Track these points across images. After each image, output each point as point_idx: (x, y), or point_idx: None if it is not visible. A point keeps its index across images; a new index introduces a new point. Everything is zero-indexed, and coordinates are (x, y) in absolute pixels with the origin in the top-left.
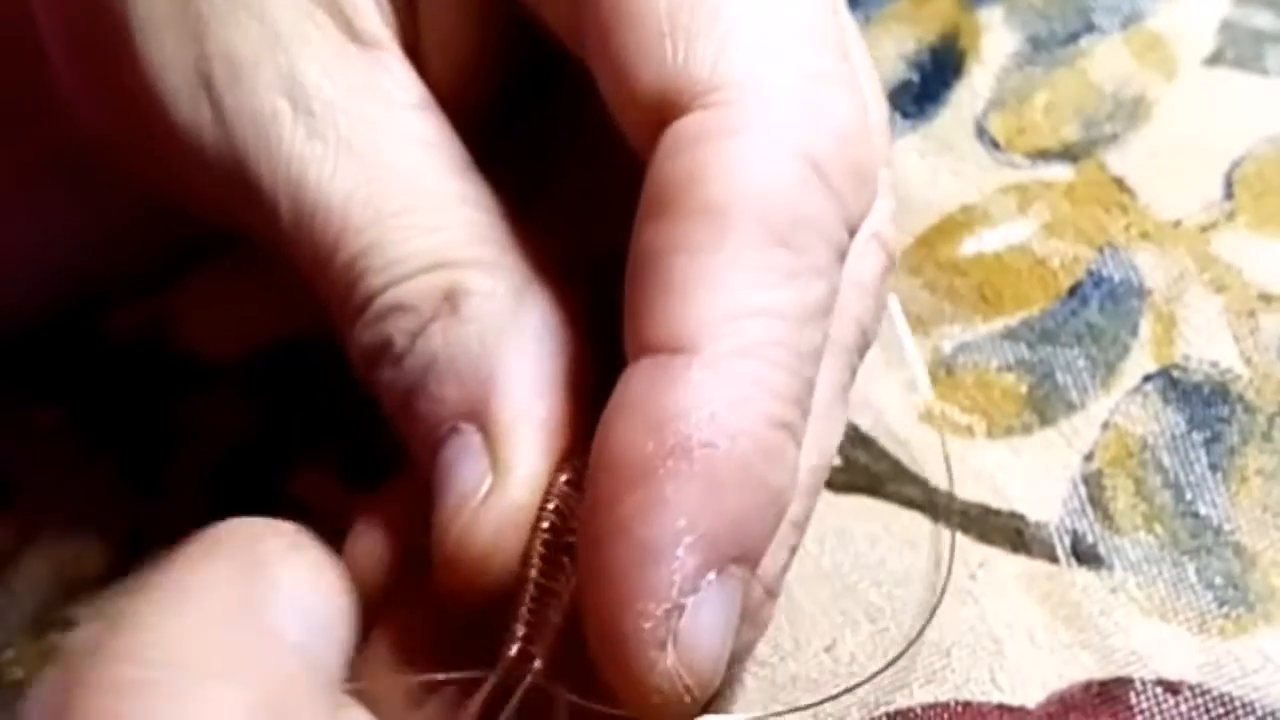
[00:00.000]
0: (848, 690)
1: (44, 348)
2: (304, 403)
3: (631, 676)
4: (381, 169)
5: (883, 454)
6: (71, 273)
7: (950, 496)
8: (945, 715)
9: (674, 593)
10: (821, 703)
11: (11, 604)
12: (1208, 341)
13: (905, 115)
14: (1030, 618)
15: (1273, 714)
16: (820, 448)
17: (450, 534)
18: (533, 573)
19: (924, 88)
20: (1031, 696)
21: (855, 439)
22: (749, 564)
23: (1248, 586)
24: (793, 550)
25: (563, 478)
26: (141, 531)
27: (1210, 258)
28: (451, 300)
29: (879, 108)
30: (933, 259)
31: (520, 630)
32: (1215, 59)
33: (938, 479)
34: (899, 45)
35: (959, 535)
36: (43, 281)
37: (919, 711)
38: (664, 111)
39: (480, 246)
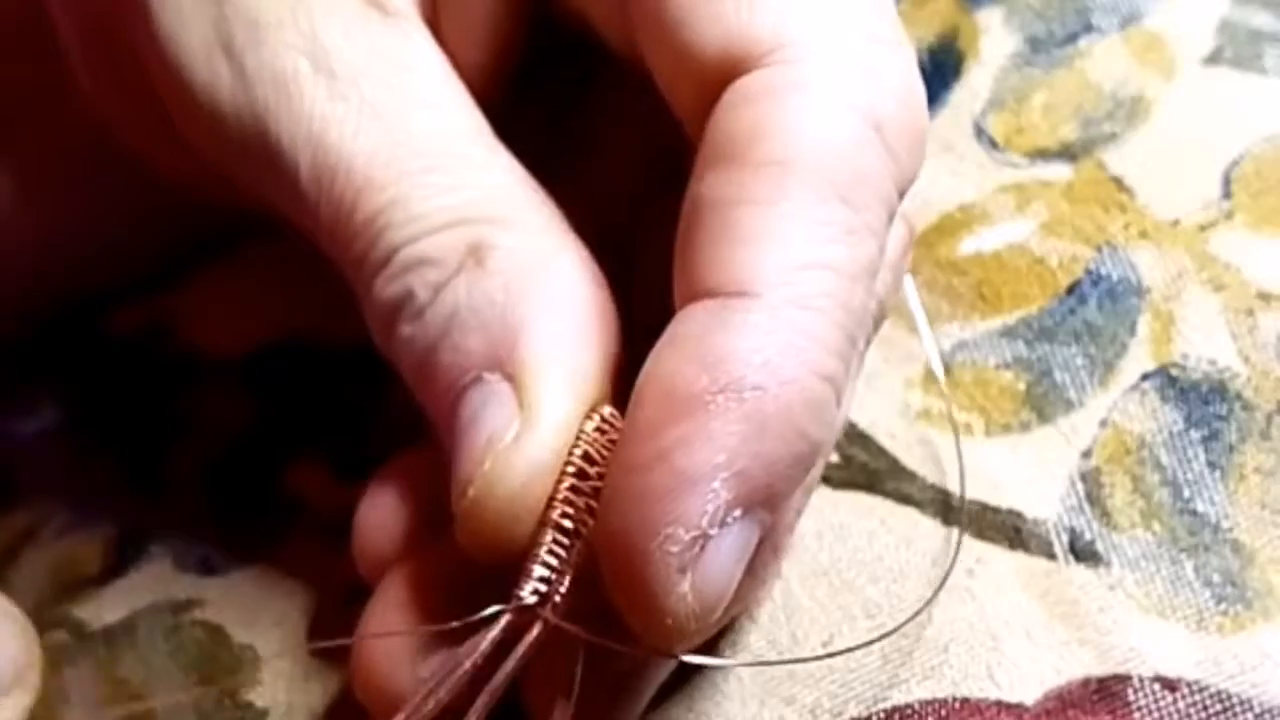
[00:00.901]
0: (866, 644)
1: (46, 345)
2: (302, 399)
3: (649, 598)
4: (403, 131)
5: (880, 451)
6: (74, 271)
7: (961, 497)
8: (943, 712)
9: (704, 522)
10: (834, 655)
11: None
12: (1206, 340)
13: None
14: (1028, 614)
15: (1270, 711)
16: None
17: (477, 479)
18: (555, 515)
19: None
20: (1029, 693)
21: (853, 436)
22: (773, 510)
23: (1246, 584)
24: (799, 514)
25: (590, 425)
26: (139, 529)
27: (1208, 256)
28: (476, 254)
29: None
30: (931, 258)
31: (538, 571)
32: (1214, 58)
33: (935, 476)
34: None
35: (954, 532)
36: (45, 279)
37: (916, 707)
38: (726, 70)
39: (503, 206)
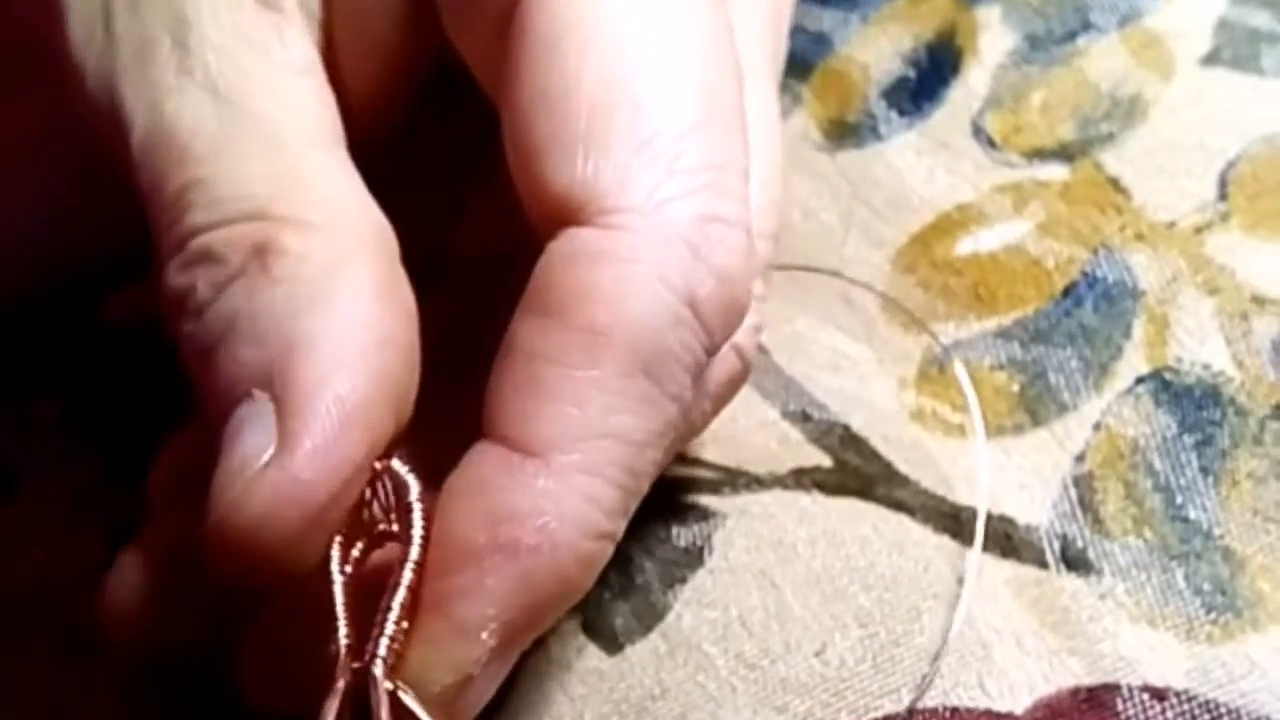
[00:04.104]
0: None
1: (41, 334)
2: None
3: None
4: (237, 114)
5: (874, 455)
6: (61, 252)
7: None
8: None
9: (469, 666)
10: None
11: (7, 600)
12: (1200, 344)
13: (902, 113)
14: (1019, 623)
15: None
16: None
17: (220, 503)
18: (338, 567)
19: (921, 85)
20: (1019, 702)
21: (847, 439)
22: (528, 642)
23: (1236, 592)
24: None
25: (391, 464)
26: (132, 525)
27: (1204, 260)
28: (261, 256)
29: (775, 181)
30: (928, 257)
31: (342, 630)
32: (1211, 59)
33: (929, 481)
34: (896, 43)
35: (948, 540)
36: (33, 261)
37: (906, 717)
38: (563, 213)
39: (309, 208)
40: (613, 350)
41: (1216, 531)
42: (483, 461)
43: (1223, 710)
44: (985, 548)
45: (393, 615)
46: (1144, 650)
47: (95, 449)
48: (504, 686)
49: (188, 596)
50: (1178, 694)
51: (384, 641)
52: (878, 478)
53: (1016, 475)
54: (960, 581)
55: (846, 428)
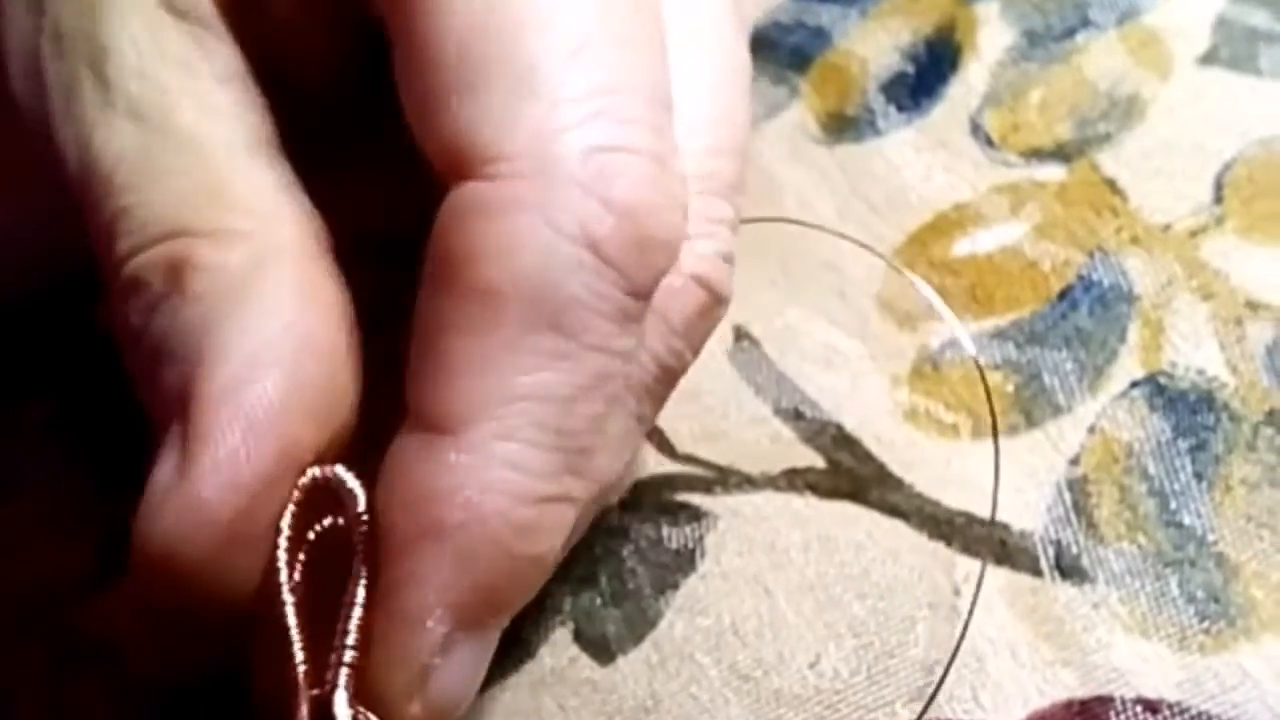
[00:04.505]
0: None
1: (33, 337)
2: None
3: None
4: (161, 135)
5: (867, 456)
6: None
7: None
8: None
9: (423, 657)
10: None
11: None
12: (1195, 349)
13: (901, 109)
14: (1013, 634)
15: None
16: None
17: (136, 532)
18: (288, 585)
19: (919, 81)
20: (1013, 715)
21: (840, 439)
22: (504, 617)
23: (1229, 600)
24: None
25: (335, 471)
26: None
27: (1199, 264)
28: (177, 276)
29: (730, 90)
30: (925, 257)
31: (298, 655)
32: (1209, 58)
33: (922, 484)
34: (894, 38)
35: (943, 547)
36: (27, 262)
37: None
38: (449, 170)
39: (227, 216)
40: (510, 308)
41: (1210, 538)
42: (403, 448)
43: None
44: (979, 554)
45: (350, 637)
46: (1137, 661)
47: (88, 454)
48: (495, 697)
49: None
50: (1170, 706)
51: (343, 671)
52: (871, 480)
53: (1011, 478)
54: (956, 591)
55: (839, 427)
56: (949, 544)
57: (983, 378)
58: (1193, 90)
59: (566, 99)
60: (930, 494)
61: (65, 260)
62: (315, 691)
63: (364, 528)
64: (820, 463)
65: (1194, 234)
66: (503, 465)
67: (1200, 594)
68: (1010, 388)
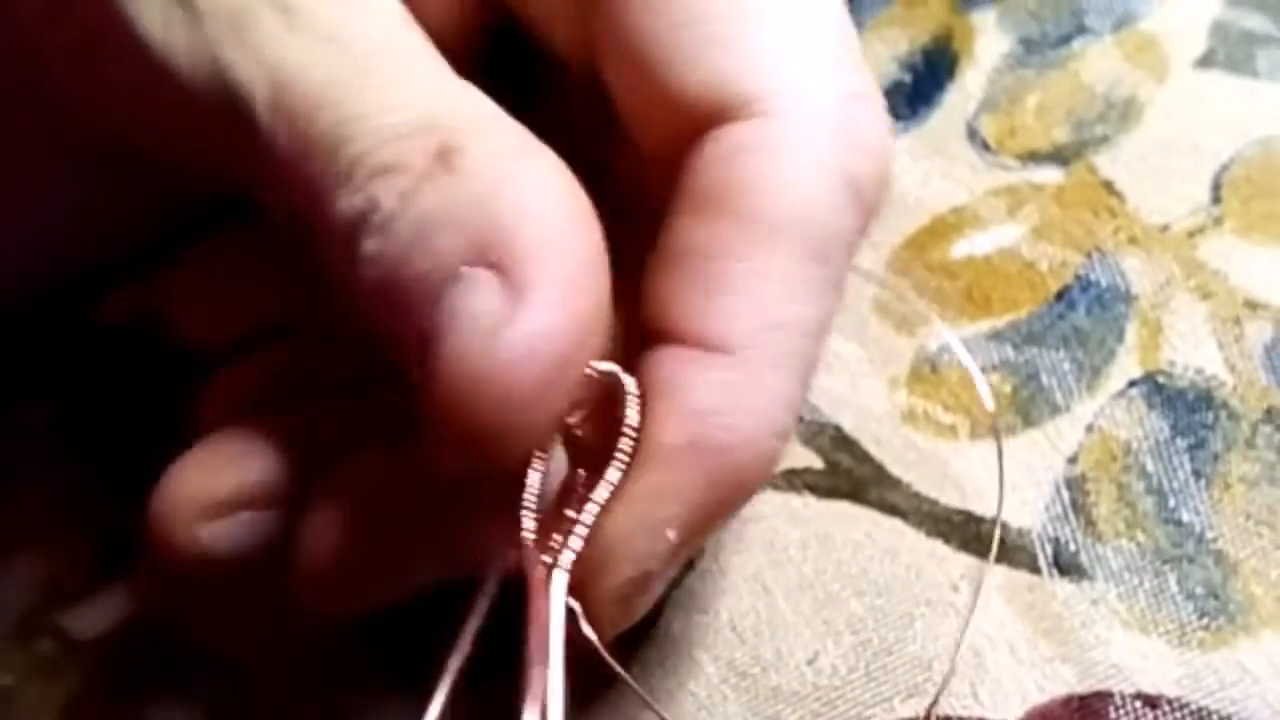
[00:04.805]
0: None
1: (33, 337)
2: None
3: (591, 615)
4: (360, 53)
5: (866, 457)
6: (57, 254)
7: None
8: None
9: (652, 564)
10: None
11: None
12: (1193, 348)
13: (898, 117)
14: (1011, 630)
15: None
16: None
17: (457, 371)
18: (541, 454)
19: (916, 89)
20: (1012, 711)
21: (839, 440)
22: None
23: (1228, 596)
24: None
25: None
26: (125, 534)
27: (1197, 264)
28: (445, 158)
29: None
30: (922, 260)
31: (529, 522)
32: (1206, 61)
33: (920, 484)
34: (892, 47)
35: (941, 545)
36: (28, 264)
37: None
38: (707, 116)
39: (468, 116)
40: (787, 239)
41: (1209, 535)
42: (669, 361)
43: (1214, 718)
44: (977, 552)
45: (589, 514)
46: (1136, 657)
47: (87, 453)
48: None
49: (391, 543)
50: (1170, 701)
51: (568, 555)
52: (869, 480)
53: (1009, 477)
54: (954, 588)
55: (838, 428)
56: (947, 542)
57: (980, 386)
58: (1190, 92)
59: (817, 52)
60: (928, 493)
61: (65, 264)
62: (548, 559)
63: (632, 432)
64: (819, 463)
65: (1192, 234)
66: (767, 392)
67: (1199, 590)
68: (1008, 388)
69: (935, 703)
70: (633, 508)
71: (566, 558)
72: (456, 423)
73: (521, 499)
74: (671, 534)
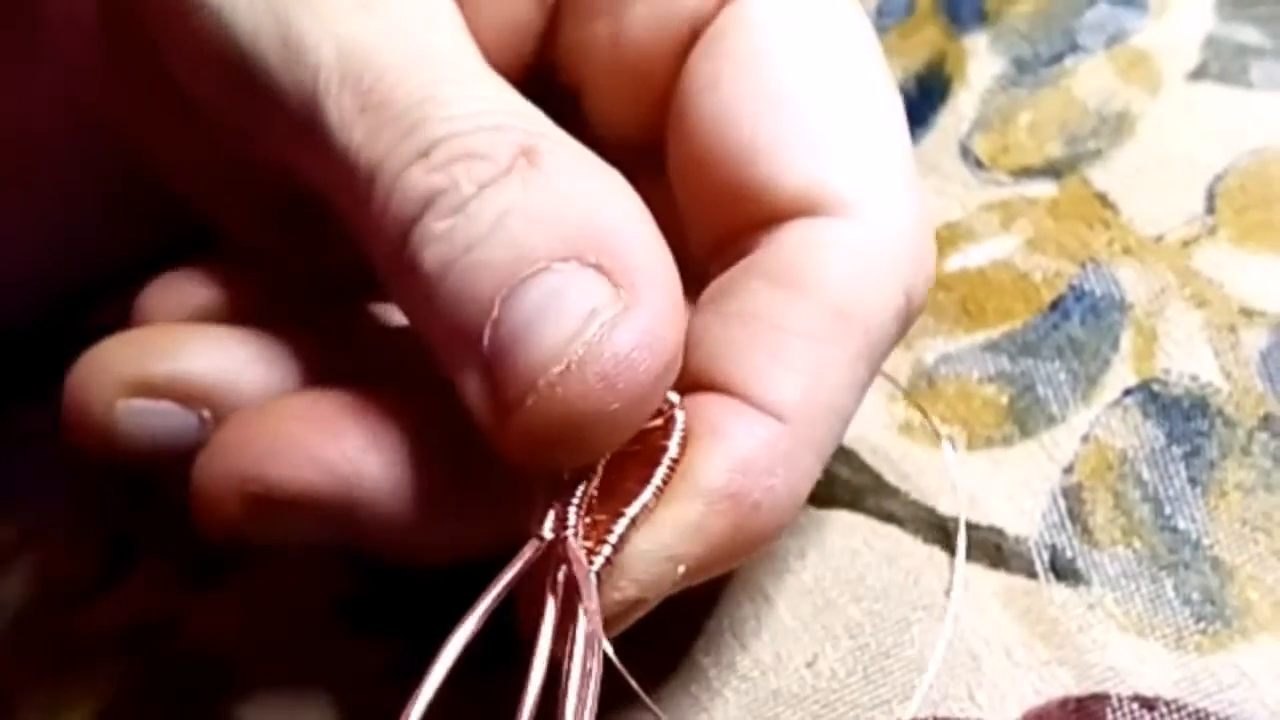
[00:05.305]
0: None
1: (35, 345)
2: None
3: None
4: (430, 51)
5: (863, 466)
6: (54, 269)
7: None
8: None
9: (649, 593)
10: None
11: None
12: (1188, 356)
13: None
14: (1008, 634)
15: None
16: None
17: (559, 364)
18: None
19: (909, 113)
20: (1008, 713)
21: (837, 452)
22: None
23: (1225, 602)
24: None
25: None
26: (128, 537)
27: (1191, 273)
28: (530, 154)
29: None
30: None
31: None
32: (1199, 73)
33: (918, 493)
34: None
35: (938, 551)
36: (25, 278)
37: None
38: (795, 209)
39: (547, 124)
40: (854, 331)
41: (1205, 541)
42: (720, 409)
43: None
44: (974, 558)
45: (636, 506)
46: (1133, 660)
47: (86, 464)
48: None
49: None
50: (1167, 703)
51: (622, 524)
52: (867, 489)
53: (1004, 486)
54: (948, 593)
55: None
56: (944, 548)
57: (917, 418)
58: (1183, 104)
59: (896, 170)
60: (925, 501)
61: (63, 282)
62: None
63: (670, 462)
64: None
65: (1186, 244)
66: (804, 468)
67: (1196, 596)
68: (1004, 399)
69: (920, 701)
70: (657, 534)
71: (598, 561)
72: (545, 415)
73: (574, 495)
74: (681, 569)
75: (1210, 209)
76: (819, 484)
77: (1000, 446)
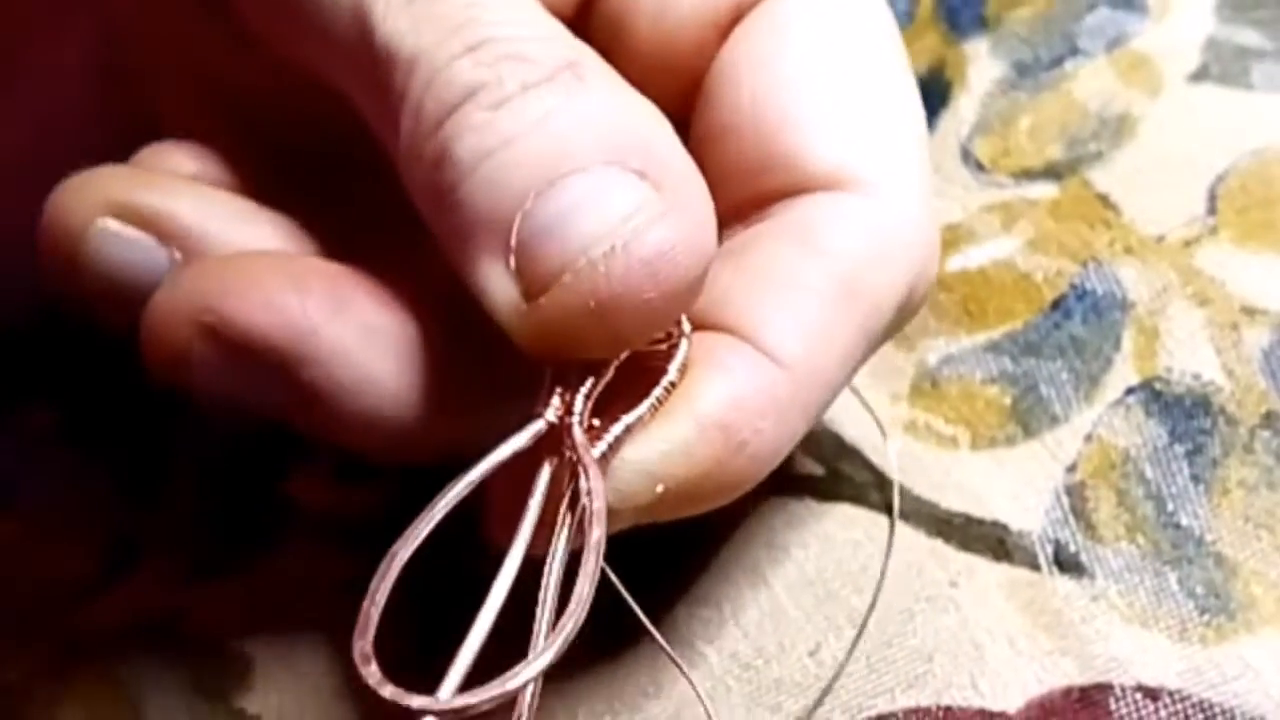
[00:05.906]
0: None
1: (38, 344)
2: None
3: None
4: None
5: (866, 464)
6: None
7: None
8: (926, 719)
9: (627, 503)
10: None
11: (4, 610)
12: (1190, 354)
13: None
14: (1011, 625)
15: None
16: None
17: (597, 258)
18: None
19: None
20: (1012, 702)
21: (840, 449)
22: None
23: (1229, 595)
24: None
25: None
26: (132, 537)
27: (1193, 271)
28: (575, 70)
29: None
30: None
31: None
32: (1200, 75)
33: (919, 490)
34: None
35: (941, 544)
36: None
37: (901, 716)
38: (822, 182)
39: (588, 50)
40: (862, 303)
41: (1209, 538)
42: (722, 345)
43: (1216, 710)
44: (976, 551)
45: (633, 415)
46: (1137, 651)
47: (93, 459)
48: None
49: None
50: (1171, 693)
51: (618, 427)
52: (871, 485)
53: (1008, 485)
54: (953, 584)
55: (838, 437)
56: (947, 541)
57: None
58: (1183, 106)
59: (921, 147)
60: (929, 497)
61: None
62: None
63: (669, 383)
64: (820, 470)
65: (1188, 243)
66: (794, 419)
67: (1200, 589)
68: (1007, 400)
69: (860, 635)
70: (646, 447)
71: (597, 450)
72: (579, 295)
73: (582, 386)
74: (659, 489)
75: (1211, 210)
76: (822, 480)
77: (1004, 446)
